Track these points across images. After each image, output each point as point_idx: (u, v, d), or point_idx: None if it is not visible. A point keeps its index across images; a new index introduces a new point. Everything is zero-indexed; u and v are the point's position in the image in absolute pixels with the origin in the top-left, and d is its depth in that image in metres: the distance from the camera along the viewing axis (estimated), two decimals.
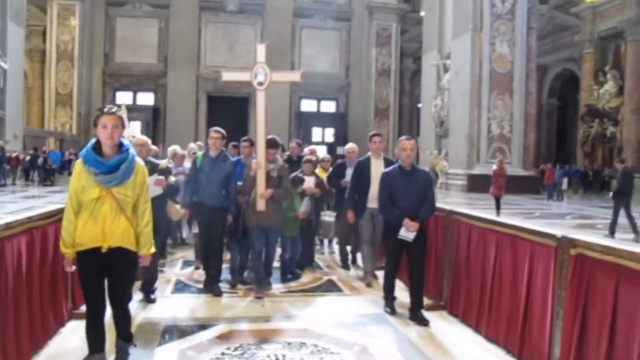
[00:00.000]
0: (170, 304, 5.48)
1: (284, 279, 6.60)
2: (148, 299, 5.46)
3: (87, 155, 3.40)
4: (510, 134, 22.96)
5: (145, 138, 5.66)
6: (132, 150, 3.52)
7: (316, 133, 33.69)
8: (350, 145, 7.63)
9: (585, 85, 30.30)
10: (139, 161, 3.57)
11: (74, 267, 3.46)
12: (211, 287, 5.92)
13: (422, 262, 5.16)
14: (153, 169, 5.34)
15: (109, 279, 3.52)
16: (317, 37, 33.42)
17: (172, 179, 5.81)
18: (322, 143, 31.94)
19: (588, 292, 3.19)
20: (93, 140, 3.47)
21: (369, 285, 6.38)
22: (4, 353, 3.43)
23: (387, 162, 6.23)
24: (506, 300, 4.15)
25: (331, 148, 29.40)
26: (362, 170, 6.39)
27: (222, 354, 4.06)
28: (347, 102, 34.32)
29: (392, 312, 5.22)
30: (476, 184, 21.16)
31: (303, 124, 33.20)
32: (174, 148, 8.53)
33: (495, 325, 4.31)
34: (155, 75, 31.58)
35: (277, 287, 6.25)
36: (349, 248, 7.59)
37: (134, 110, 30.93)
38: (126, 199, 3.43)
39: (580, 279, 3.23)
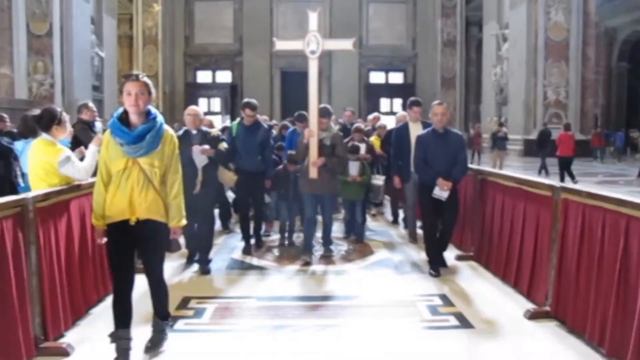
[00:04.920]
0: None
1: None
2: (203, 270, 5.55)
3: (113, 125, 3.29)
4: (566, 100, 23.72)
5: (196, 108, 5.72)
6: (159, 119, 3.38)
7: (384, 104, 34.91)
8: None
9: None
10: (168, 130, 3.44)
11: (105, 239, 3.39)
12: (248, 248, 6.42)
13: (453, 222, 5.47)
14: (203, 137, 5.49)
15: (140, 252, 3.49)
16: (383, 10, 34.51)
17: (224, 145, 5.73)
18: (391, 113, 33.25)
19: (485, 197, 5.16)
20: (120, 110, 3.36)
21: (413, 242, 6.91)
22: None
23: (426, 126, 6.20)
24: None
25: None
26: (402, 136, 6.59)
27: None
28: (414, 73, 35.26)
29: (437, 274, 5.30)
30: (532, 149, 22.29)
31: (372, 95, 34.42)
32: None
33: None
34: (232, 54, 33.79)
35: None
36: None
37: (213, 87, 33.66)
38: (153, 170, 3.30)
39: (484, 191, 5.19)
